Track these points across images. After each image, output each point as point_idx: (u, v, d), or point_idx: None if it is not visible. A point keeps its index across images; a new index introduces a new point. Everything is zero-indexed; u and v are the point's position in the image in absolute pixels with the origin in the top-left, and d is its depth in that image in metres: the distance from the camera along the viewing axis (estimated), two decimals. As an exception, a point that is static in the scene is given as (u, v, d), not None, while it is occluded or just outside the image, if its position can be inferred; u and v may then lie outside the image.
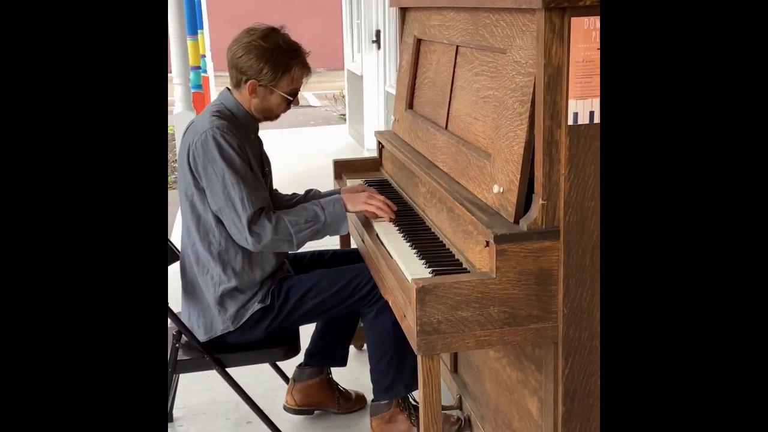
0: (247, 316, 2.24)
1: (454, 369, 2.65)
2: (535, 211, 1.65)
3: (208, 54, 7.98)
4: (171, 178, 7.61)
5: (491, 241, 1.65)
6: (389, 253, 2.05)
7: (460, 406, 2.51)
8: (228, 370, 2.29)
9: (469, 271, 1.81)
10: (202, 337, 2.25)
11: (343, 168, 2.99)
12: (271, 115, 2.33)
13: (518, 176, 1.68)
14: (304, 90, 2.49)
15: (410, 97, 2.74)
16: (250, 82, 2.24)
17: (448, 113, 2.28)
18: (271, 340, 2.28)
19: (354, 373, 2.83)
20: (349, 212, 2.26)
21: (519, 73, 1.72)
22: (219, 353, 2.24)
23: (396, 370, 2.37)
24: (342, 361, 2.65)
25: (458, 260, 1.91)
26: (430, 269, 1.85)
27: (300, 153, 7.59)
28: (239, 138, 2.18)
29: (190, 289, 2.27)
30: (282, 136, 8.24)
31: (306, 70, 2.32)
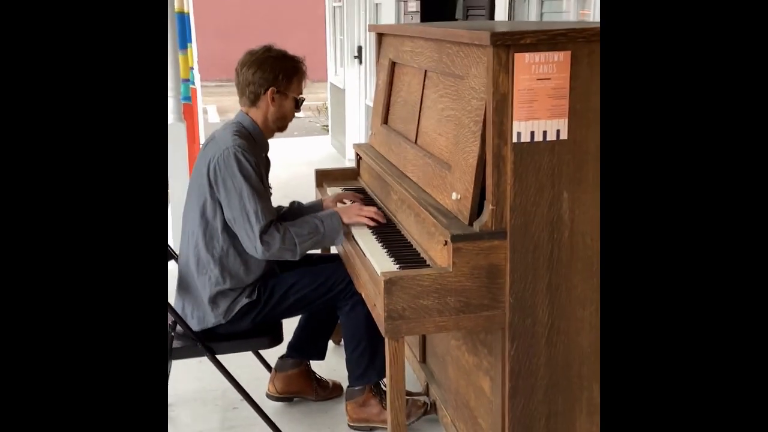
0: (236, 309, 2.51)
1: (423, 359, 2.93)
2: (486, 215, 1.93)
3: (196, 66, 8.23)
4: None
5: (449, 240, 1.93)
6: (363, 252, 2.33)
7: (427, 393, 2.79)
8: (218, 357, 2.55)
9: (430, 266, 2.09)
10: (195, 327, 2.51)
11: (324, 177, 3.26)
12: (284, 123, 2.65)
13: (472, 185, 1.96)
14: None
15: (385, 114, 3.02)
16: (270, 90, 2.55)
17: (417, 129, 2.57)
18: (257, 330, 2.55)
19: (332, 366, 3.10)
20: (345, 224, 2.54)
21: (474, 97, 2.00)
22: (210, 342, 2.50)
23: (369, 358, 2.64)
24: (321, 355, 2.92)
25: (422, 258, 2.18)
26: (397, 265, 2.13)
27: (285, 162, 7.85)
28: (256, 157, 2.47)
29: (185, 284, 2.53)
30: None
31: (305, 74, 2.68)
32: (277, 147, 9.53)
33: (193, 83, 6.98)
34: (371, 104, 6.81)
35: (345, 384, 2.96)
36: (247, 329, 2.54)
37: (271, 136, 2.69)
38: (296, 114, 2.70)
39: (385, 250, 2.28)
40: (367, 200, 2.86)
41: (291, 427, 2.74)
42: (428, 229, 2.16)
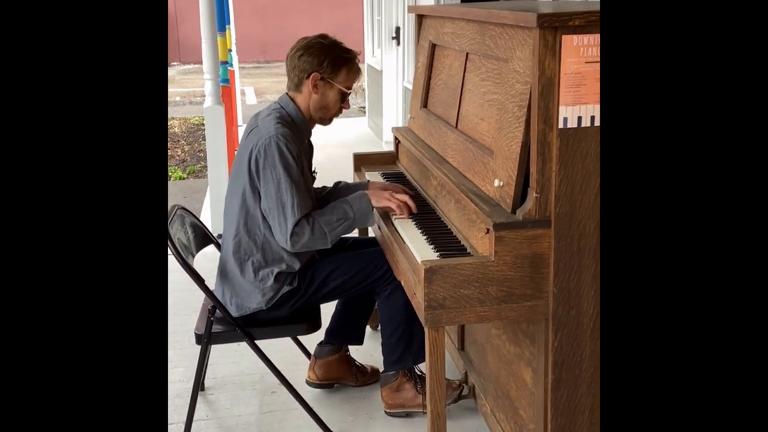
0: (278, 297, 2.49)
1: (461, 347, 2.89)
2: (529, 203, 1.88)
3: (234, 48, 8.24)
4: (197, 166, 7.90)
5: (491, 228, 1.88)
6: (402, 239, 2.29)
7: (466, 381, 2.75)
8: (256, 343, 2.54)
9: (471, 255, 2.05)
10: (234, 313, 2.50)
11: (362, 161, 3.23)
12: (327, 115, 2.58)
13: (516, 172, 1.91)
14: None
15: (425, 97, 2.97)
16: (312, 75, 2.49)
17: (458, 113, 2.51)
18: (296, 316, 2.53)
19: (369, 351, 3.08)
20: (374, 207, 2.50)
21: (518, 81, 1.95)
22: (249, 327, 2.49)
23: (405, 344, 2.61)
24: (359, 340, 2.90)
25: (463, 245, 2.14)
26: (437, 253, 2.09)
27: (320, 143, 7.81)
28: (298, 146, 2.43)
29: (226, 270, 2.52)
30: (303, 127, 8.46)
31: (359, 70, 2.60)
32: (315, 128, 9.53)
33: (231, 65, 6.99)
34: (409, 86, 6.75)
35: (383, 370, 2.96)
36: (285, 315, 2.53)
37: (313, 126, 2.64)
38: (343, 109, 2.62)
39: (425, 237, 2.25)
40: (405, 185, 2.81)
41: (329, 414, 2.73)
42: (469, 216, 2.11)
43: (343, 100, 2.58)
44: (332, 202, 2.53)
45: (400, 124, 7.21)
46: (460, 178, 2.29)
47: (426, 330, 1.93)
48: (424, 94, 2.97)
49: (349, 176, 3.31)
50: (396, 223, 2.43)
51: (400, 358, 2.62)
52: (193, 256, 2.59)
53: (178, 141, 9.28)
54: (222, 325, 2.49)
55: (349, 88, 2.57)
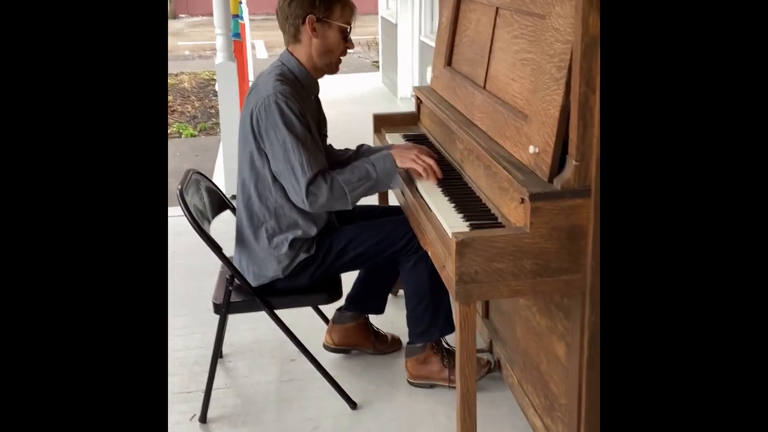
0: (295, 265, 2.40)
1: (486, 315, 2.81)
2: (568, 172, 1.77)
3: (244, 0, 8.04)
4: (208, 123, 7.77)
5: (526, 198, 1.77)
6: (429, 207, 2.18)
7: (490, 350, 2.67)
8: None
9: (504, 226, 1.94)
10: (252, 282, 2.41)
11: (382, 122, 3.10)
12: (332, 59, 2.43)
13: (554, 138, 1.79)
14: None
15: (449, 54, 2.83)
16: (308, 18, 2.35)
17: (486, 73, 2.38)
18: (316, 285, 2.44)
19: (390, 318, 3.00)
20: (397, 167, 2.38)
21: (557, 40, 1.81)
22: (268, 296, 2.40)
23: (431, 315, 2.52)
24: (380, 310, 2.82)
25: (494, 214, 2.03)
26: (467, 223, 1.99)
27: (333, 100, 7.68)
28: (300, 103, 2.30)
29: (242, 237, 2.43)
30: (316, 83, 8.30)
31: (353, 5, 2.44)
32: (325, 84, 9.31)
33: (242, 18, 6.81)
34: (426, 40, 6.57)
35: (404, 338, 2.88)
36: (304, 284, 2.44)
37: (320, 75, 2.50)
38: (347, 49, 2.47)
39: (453, 204, 2.14)
40: (430, 148, 2.70)
41: (350, 382, 2.66)
42: (500, 184, 2.00)
43: (345, 39, 2.43)
44: (354, 162, 2.41)
45: (416, 80, 7.04)
46: (490, 142, 2.17)
47: (457, 305, 1.84)
48: (448, 52, 2.83)
49: (363, 135, 3.18)
50: (421, 188, 2.32)
51: (426, 330, 2.54)
52: (209, 222, 2.50)
53: (189, 97, 9.14)
54: (240, 294, 2.41)
55: (348, 23, 2.43)
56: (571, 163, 1.76)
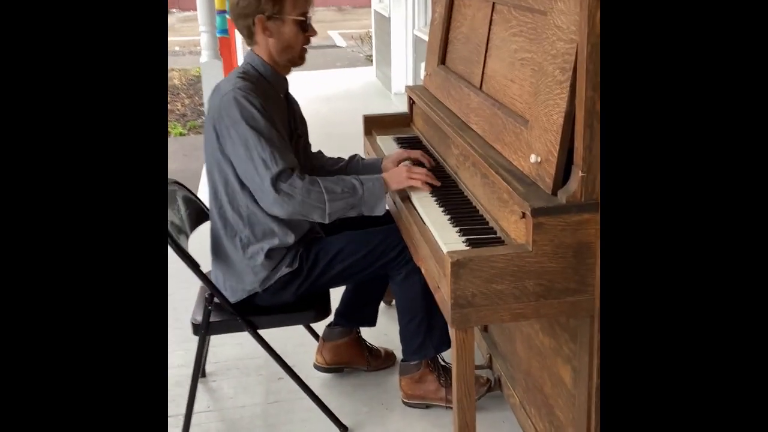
0: (275, 279, 2.23)
1: (484, 328, 2.65)
2: (574, 184, 1.61)
3: (233, -5, 7.86)
4: (197, 121, 7.60)
5: (528, 213, 1.61)
6: (422, 220, 2.02)
7: (490, 366, 2.52)
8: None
9: (503, 241, 1.78)
10: (231, 298, 2.25)
11: (373, 124, 2.93)
12: (294, 54, 2.25)
13: (557, 147, 1.63)
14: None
15: (443, 52, 2.67)
16: (257, 19, 2.18)
17: (483, 73, 2.22)
18: (302, 302, 2.28)
19: (383, 330, 2.83)
20: (392, 190, 2.20)
21: (560, 39, 1.65)
22: (250, 315, 2.24)
23: (425, 331, 2.37)
24: (371, 322, 2.66)
25: (492, 228, 1.87)
26: (464, 238, 1.83)
27: (326, 95, 7.52)
28: (262, 98, 2.12)
29: (218, 251, 2.27)
30: (307, 78, 8.16)
31: None
32: (318, 80, 9.26)
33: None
34: (420, 35, 6.39)
35: (398, 351, 2.72)
36: (290, 301, 2.28)
37: (287, 71, 2.32)
38: (310, 38, 2.28)
39: (448, 217, 1.97)
40: (423, 151, 2.53)
41: (341, 402, 2.51)
42: (499, 195, 1.84)
43: (305, 30, 2.24)
44: (341, 175, 2.24)
45: (410, 76, 6.87)
46: (487, 148, 2.01)
47: (453, 331, 1.68)
48: (441, 50, 2.67)
49: (358, 133, 3.00)
50: (414, 198, 2.16)
51: (421, 347, 2.37)
52: (188, 237, 2.34)
53: (178, 94, 8.96)
54: (221, 313, 2.24)
55: (304, 13, 2.22)
56: (577, 174, 1.60)
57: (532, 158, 1.72)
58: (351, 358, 2.66)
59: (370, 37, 9.44)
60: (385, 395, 2.56)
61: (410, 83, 6.70)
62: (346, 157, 2.58)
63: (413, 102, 2.87)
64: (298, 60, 2.27)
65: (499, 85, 2.08)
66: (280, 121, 2.20)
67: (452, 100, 2.43)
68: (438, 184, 2.17)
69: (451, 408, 2.38)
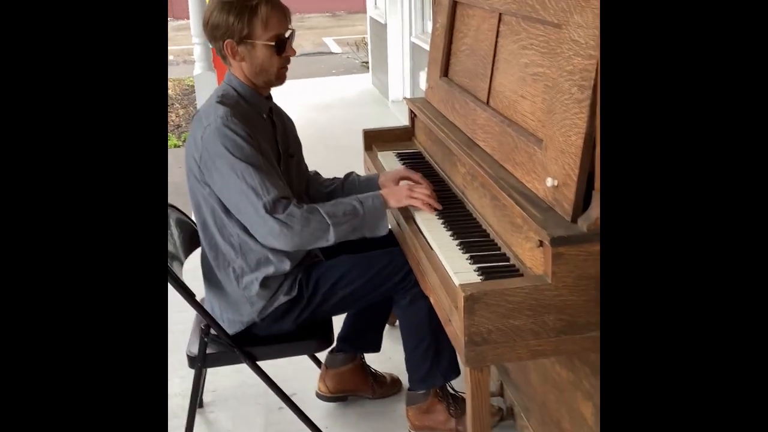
0: (273, 307, 2.11)
1: (494, 352, 2.53)
2: (595, 210, 1.49)
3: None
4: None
5: (547, 243, 1.49)
6: (429, 245, 1.90)
7: (501, 394, 2.40)
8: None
9: (518, 270, 1.66)
10: (229, 330, 2.13)
11: (373, 139, 2.81)
12: (270, 76, 2.10)
13: (577, 170, 1.51)
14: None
15: (445, 64, 2.55)
16: (226, 44, 2.04)
17: (489, 87, 2.10)
18: (303, 331, 2.16)
19: (387, 353, 2.71)
20: (391, 208, 2.08)
21: (577, 54, 1.53)
22: (248, 346, 2.12)
23: (433, 358, 2.25)
24: (376, 347, 2.54)
25: (504, 254, 1.76)
26: (475, 266, 1.71)
27: (322, 104, 7.40)
28: (246, 124, 1.99)
29: (211, 281, 2.14)
30: (303, 86, 8.05)
31: (275, 8, 2.05)
32: (314, 87, 9.14)
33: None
34: (417, 42, 6.28)
35: (403, 376, 2.61)
36: (290, 330, 2.15)
37: (267, 92, 2.17)
38: (289, 58, 2.11)
39: (457, 242, 1.86)
40: (426, 169, 2.42)
41: (345, 434, 2.39)
42: (512, 219, 1.72)
43: (280, 51, 2.07)
44: (339, 198, 2.11)
45: (407, 83, 6.75)
46: (497, 168, 1.89)
47: (467, 370, 1.56)
48: (444, 61, 2.55)
49: (355, 142, 2.87)
50: (419, 220, 2.04)
51: (428, 375, 2.25)
52: (182, 263, 2.22)
53: (173, 104, 8.83)
54: (218, 344, 2.12)
55: (278, 35, 2.05)
56: (598, 200, 1.48)
57: (549, 182, 1.61)
58: (355, 385, 2.54)
59: (366, 44, 9.33)
60: (391, 424, 2.44)
61: (408, 91, 6.58)
62: (342, 174, 2.46)
63: (414, 115, 2.76)
64: (276, 81, 2.12)
65: (508, 100, 1.96)
66: (267, 144, 2.07)
67: (457, 115, 2.31)
68: (440, 207, 2.05)
69: (462, 439, 2.28)
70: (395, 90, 7.05)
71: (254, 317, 2.10)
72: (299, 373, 2.68)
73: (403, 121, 6.50)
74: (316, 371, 2.61)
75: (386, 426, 2.44)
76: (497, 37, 2.06)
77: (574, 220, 1.53)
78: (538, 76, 1.78)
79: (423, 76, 4.38)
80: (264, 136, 2.08)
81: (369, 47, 8.66)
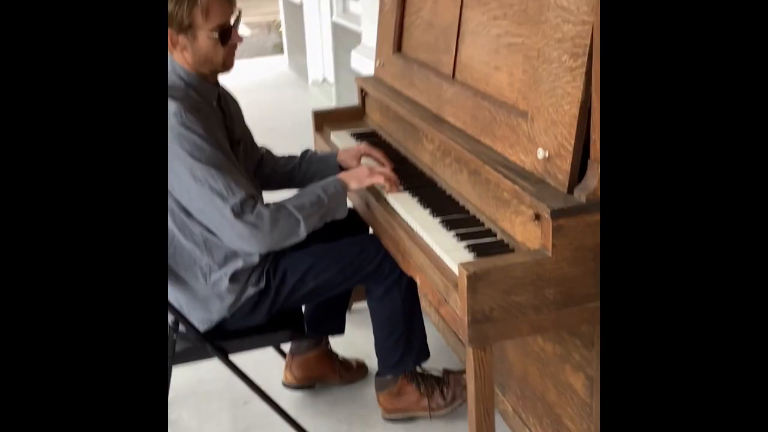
0: (243, 300, 2.01)
1: (460, 330, 2.51)
2: (593, 180, 1.47)
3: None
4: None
5: (546, 215, 1.46)
6: (409, 225, 1.85)
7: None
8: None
9: (508, 245, 1.63)
10: (200, 328, 2.02)
11: (324, 119, 2.73)
12: (216, 65, 1.95)
13: (572, 140, 1.49)
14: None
15: (398, 39, 2.49)
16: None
17: (455, 60, 2.06)
18: (274, 322, 2.07)
19: (348, 337, 2.63)
20: (352, 191, 2.00)
21: (567, 21, 1.50)
22: (219, 341, 2.02)
23: (405, 345, 2.21)
24: (340, 330, 2.46)
25: (490, 230, 1.72)
26: (464, 243, 1.67)
27: (238, 87, 7.13)
28: (200, 118, 1.84)
29: (176, 281, 2.01)
30: (218, 71, 7.80)
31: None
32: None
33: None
34: (341, 21, 6.16)
35: (367, 360, 2.56)
36: (261, 322, 2.06)
37: (215, 78, 2.02)
38: (235, 43, 1.96)
39: (438, 220, 1.81)
40: (386, 147, 2.36)
41: (317, 422, 2.32)
42: (498, 194, 1.69)
43: (225, 40, 1.91)
44: (299, 190, 2.00)
45: (329, 64, 6.64)
46: (473, 143, 1.85)
47: (470, 351, 1.52)
48: (396, 36, 2.49)
49: (283, 125, 2.77)
50: (391, 199, 1.98)
51: (400, 361, 2.21)
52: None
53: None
54: (186, 340, 2.01)
55: (221, 24, 1.89)
56: (596, 169, 1.47)
57: (540, 153, 1.58)
58: (322, 372, 2.47)
59: (278, 26, 9.14)
60: (363, 410, 2.38)
61: (330, 72, 6.47)
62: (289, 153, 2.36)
63: (366, 94, 2.69)
64: (222, 69, 1.97)
65: (479, 73, 1.92)
66: (221, 134, 1.94)
67: (417, 91, 2.26)
68: (400, 189, 1.99)
69: (436, 416, 2.25)
70: (315, 72, 6.93)
71: (224, 313, 2.00)
72: (260, 365, 2.57)
73: (326, 102, 6.40)
74: (276, 363, 2.52)
75: (357, 412, 2.38)
76: (462, 8, 2.02)
77: (570, 191, 1.50)
78: (514, 47, 1.75)
79: (355, 55, 4.31)
80: (217, 126, 1.94)
81: (283, 29, 8.48)
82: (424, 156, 2.14)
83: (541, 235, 1.51)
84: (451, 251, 1.64)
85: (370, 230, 2.19)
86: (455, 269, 1.58)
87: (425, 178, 2.09)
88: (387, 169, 2.04)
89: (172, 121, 1.80)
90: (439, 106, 2.09)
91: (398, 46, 2.49)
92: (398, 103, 2.29)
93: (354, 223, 2.22)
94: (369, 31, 4.24)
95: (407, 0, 2.43)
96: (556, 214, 1.45)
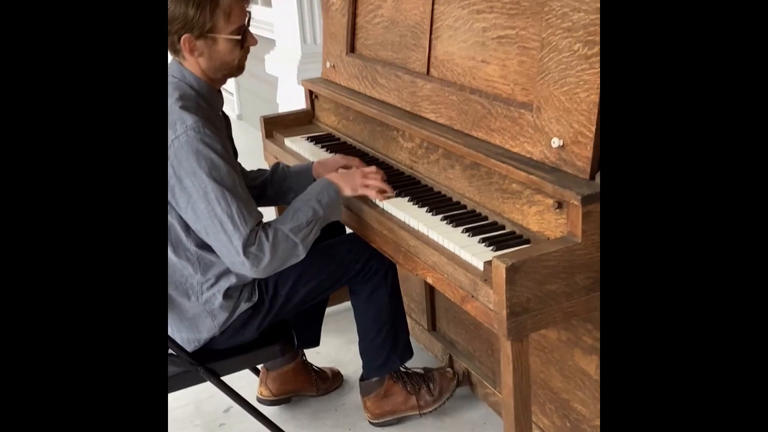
0: (235, 317, 1.92)
1: (432, 327, 2.50)
2: (615, 165, 1.49)
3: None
4: None
5: (576, 202, 1.48)
6: (410, 224, 1.81)
7: (451, 365, 2.37)
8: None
9: (522, 236, 1.64)
10: (188, 348, 1.90)
11: (273, 125, 2.64)
12: (231, 69, 1.88)
13: (593, 127, 1.50)
14: None
15: (351, 40, 2.45)
16: (183, 39, 1.79)
17: (429, 57, 2.04)
18: (264, 338, 1.98)
19: (317, 348, 2.58)
20: (344, 196, 1.94)
21: (577, 10, 1.52)
22: (209, 362, 1.91)
23: (391, 344, 2.18)
24: (316, 341, 2.40)
25: (496, 222, 1.72)
26: (477, 238, 1.66)
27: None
28: (214, 131, 1.76)
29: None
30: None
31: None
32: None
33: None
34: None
35: (341, 367, 2.52)
36: (251, 339, 1.97)
37: (221, 84, 1.96)
38: (251, 47, 1.90)
39: (439, 217, 1.79)
40: (351, 150, 2.32)
41: (302, 437, 2.25)
42: (504, 186, 1.69)
43: (243, 44, 1.86)
44: (292, 203, 1.92)
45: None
46: (464, 137, 1.85)
47: (507, 344, 1.51)
48: (349, 37, 2.45)
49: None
50: (379, 201, 1.94)
51: (386, 361, 2.18)
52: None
53: None
54: (175, 365, 1.89)
55: (241, 26, 1.83)
56: (617, 154, 1.49)
57: (554, 143, 1.59)
58: (299, 384, 2.39)
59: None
60: (348, 418, 2.33)
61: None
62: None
63: (316, 96, 2.63)
64: (236, 72, 1.90)
65: (461, 68, 1.91)
66: (229, 148, 1.87)
67: (384, 90, 2.23)
68: (393, 193, 1.96)
69: (427, 414, 2.23)
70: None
71: (214, 332, 1.90)
72: (232, 381, 2.46)
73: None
74: (246, 377, 2.42)
75: (342, 421, 2.32)
76: (433, 4, 2.01)
77: (592, 177, 1.52)
78: (506, 38, 1.75)
79: (269, 59, 4.21)
80: (225, 137, 1.88)
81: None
82: (400, 155, 2.12)
83: (566, 222, 1.52)
84: (467, 247, 1.62)
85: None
86: (477, 264, 1.57)
87: (405, 176, 2.06)
88: (378, 181, 1.96)
89: (191, 135, 1.72)
90: (414, 103, 2.07)
91: (352, 47, 2.45)
92: (363, 104, 2.25)
93: (334, 223, 2.16)
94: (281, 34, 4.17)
95: (359, 0, 2.39)
96: (586, 201, 1.47)
